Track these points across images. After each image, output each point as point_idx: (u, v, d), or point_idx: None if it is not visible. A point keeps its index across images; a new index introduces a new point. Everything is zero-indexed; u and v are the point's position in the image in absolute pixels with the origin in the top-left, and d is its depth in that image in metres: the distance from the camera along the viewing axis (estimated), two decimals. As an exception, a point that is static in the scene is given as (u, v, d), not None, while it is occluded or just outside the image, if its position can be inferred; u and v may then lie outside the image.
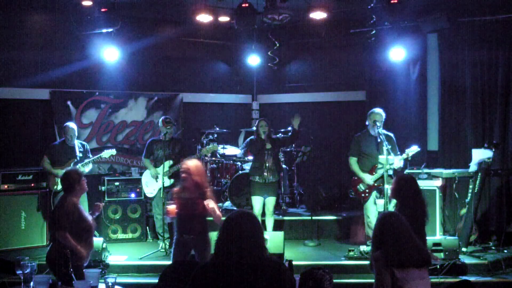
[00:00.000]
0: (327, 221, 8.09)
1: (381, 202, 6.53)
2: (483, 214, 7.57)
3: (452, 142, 7.98)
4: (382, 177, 6.53)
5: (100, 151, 7.49)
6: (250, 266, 2.94)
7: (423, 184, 6.75)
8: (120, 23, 7.38)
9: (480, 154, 6.92)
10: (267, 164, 7.09)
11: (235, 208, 8.09)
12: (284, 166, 8.41)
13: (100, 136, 8.72)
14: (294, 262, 4.22)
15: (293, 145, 8.65)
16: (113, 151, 7.49)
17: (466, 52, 7.81)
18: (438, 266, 6.10)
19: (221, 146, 8.76)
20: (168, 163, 7.17)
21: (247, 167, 8.15)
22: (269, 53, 9.09)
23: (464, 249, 6.73)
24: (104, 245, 6.54)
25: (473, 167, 6.98)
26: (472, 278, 5.87)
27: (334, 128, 9.39)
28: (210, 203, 5.12)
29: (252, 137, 7.38)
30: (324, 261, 6.61)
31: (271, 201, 7.14)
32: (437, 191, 6.94)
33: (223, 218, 3.24)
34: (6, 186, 7.13)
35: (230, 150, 8.93)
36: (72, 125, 7.26)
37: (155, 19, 9.08)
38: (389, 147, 6.39)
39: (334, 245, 7.58)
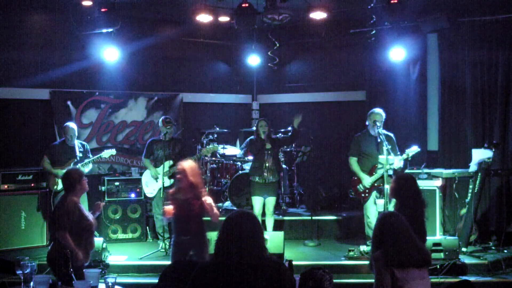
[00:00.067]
0: (327, 221, 8.09)
1: (381, 202, 6.53)
2: (483, 214, 7.57)
3: (452, 142, 7.98)
4: (382, 177, 6.53)
5: (100, 151, 7.49)
6: (250, 266, 2.94)
7: (423, 184, 6.76)
8: (120, 23, 7.38)
9: (480, 154, 6.92)
10: (267, 164, 7.09)
11: (235, 208, 8.09)
12: (284, 166, 8.41)
13: (100, 136, 8.72)
14: (294, 262, 4.21)
15: (293, 145, 8.65)
16: (113, 151, 7.49)
17: (466, 52, 7.81)
18: (438, 266, 6.10)
19: (221, 146, 8.76)
20: (168, 163, 7.17)
21: (247, 167, 8.15)
22: (269, 53, 9.09)
23: (464, 249, 6.73)
24: (104, 245, 6.53)
25: (473, 167, 6.98)
26: (472, 278, 5.87)
27: (334, 128, 9.39)
28: (208, 199, 5.13)
29: (252, 137, 7.38)
30: (324, 261, 6.61)
31: (271, 201, 7.14)
32: (437, 191, 6.94)
33: (222, 218, 3.23)
34: (6, 186, 7.14)
35: (230, 150, 8.94)
36: (72, 125, 7.26)
37: (155, 19, 9.08)
38: (389, 147, 6.40)
39: (334, 245, 7.58)
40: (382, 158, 6.53)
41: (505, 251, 6.90)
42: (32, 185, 7.30)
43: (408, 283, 3.55)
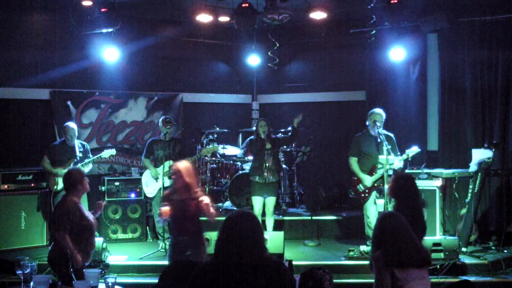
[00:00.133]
0: (327, 221, 8.09)
1: (381, 202, 6.53)
2: (483, 214, 7.57)
3: (452, 142, 7.98)
4: (382, 177, 6.53)
5: (100, 151, 7.49)
6: (250, 266, 2.94)
7: (423, 184, 6.77)
8: (120, 23, 7.38)
9: (480, 154, 6.92)
10: (267, 164, 7.09)
11: (235, 208, 8.09)
12: (284, 166, 8.42)
13: (100, 136, 8.72)
14: (294, 262, 4.22)
15: (293, 145, 8.66)
16: (113, 151, 7.49)
17: (466, 52, 7.81)
18: (438, 266, 6.10)
19: (221, 146, 8.76)
20: (168, 163, 7.16)
21: (247, 167, 8.15)
22: (269, 53, 9.09)
23: (464, 249, 6.73)
24: (104, 245, 6.53)
25: (473, 167, 6.98)
26: (472, 278, 5.86)
27: (334, 128, 9.39)
28: (206, 199, 5.15)
29: (252, 137, 7.38)
30: (324, 261, 6.61)
31: (271, 201, 7.14)
32: (437, 191, 6.93)
33: (222, 218, 3.23)
34: (6, 186, 7.14)
35: (230, 150, 8.94)
36: (72, 125, 7.27)
37: (155, 19, 9.08)
38: (389, 147, 6.40)
39: (334, 245, 7.58)
40: (382, 158, 6.53)
41: (505, 251, 6.90)
42: (32, 185, 7.30)
43: (408, 283, 3.54)
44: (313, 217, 7.89)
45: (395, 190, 4.87)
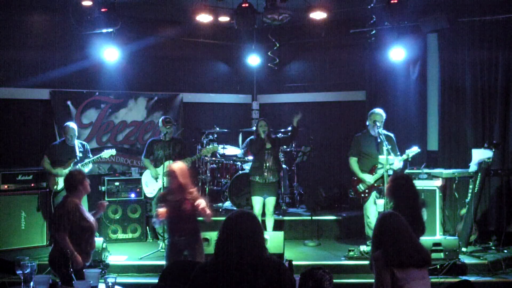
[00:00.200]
0: (327, 221, 8.08)
1: (381, 202, 6.53)
2: (483, 214, 7.57)
3: (452, 142, 7.98)
4: (382, 177, 6.53)
5: (100, 151, 7.49)
6: (250, 266, 2.94)
7: (423, 184, 6.77)
8: (120, 23, 7.38)
9: (480, 154, 6.92)
10: (267, 164, 7.09)
11: (235, 208, 8.09)
12: (284, 166, 8.41)
13: (100, 136, 8.72)
14: (294, 262, 4.22)
15: (293, 145, 8.66)
16: (113, 151, 7.49)
17: (466, 52, 7.81)
18: (438, 266, 6.10)
19: (221, 146, 8.76)
20: (168, 163, 7.15)
21: (247, 167, 8.15)
22: (269, 53, 9.09)
23: (464, 249, 6.73)
24: (104, 245, 6.53)
25: (473, 167, 6.98)
26: (472, 278, 5.86)
27: (334, 128, 9.39)
28: (201, 204, 5.15)
29: (252, 137, 7.38)
30: (324, 261, 6.61)
31: (271, 201, 7.14)
32: (437, 191, 6.93)
33: (222, 218, 3.23)
34: (6, 186, 7.14)
35: (230, 150, 8.93)
36: (72, 125, 7.27)
37: (155, 19, 9.08)
38: (389, 147, 6.40)
39: (334, 245, 7.58)
40: (382, 158, 6.54)
41: (505, 251, 6.90)
42: (32, 185, 7.29)
43: (408, 283, 3.54)
44: (313, 217, 7.89)
45: (395, 190, 4.87)
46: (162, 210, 5.22)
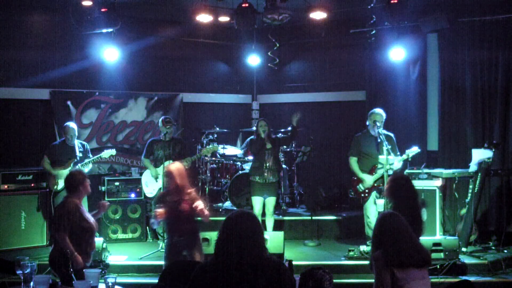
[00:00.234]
0: (327, 221, 8.08)
1: (381, 202, 6.53)
2: (483, 214, 7.57)
3: (452, 142, 7.98)
4: (382, 177, 6.53)
5: (100, 151, 7.49)
6: (250, 266, 2.94)
7: (423, 184, 6.77)
8: (120, 23, 7.38)
9: (480, 154, 6.92)
10: (267, 164, 7.09)
11: (235, 208, 8.09)
12: (284, 166, 8.41)
13: (100, 136, 8.72)
14: (294, 262, 4.22)
15: (293, 145, 8.66)
16: (112, 151, 7.48)
17: (466, 52, 7.81)
18: (438, 266, 6.10)
19: (221, 146, 8.76)
20: (168, 163, 7.15)
21: (247, 167, 8.15)
22: (269, 53, 9.09)
23: (464, 249, 6.73)
24: (104, 245, 6.53)
25: (473, 167, 6.98)
26: (472, 278, 5.87)
27: (334, 128, 9.39)
28: (200, 205, 5.16)
29: (252, 137, 7.38)
30: (324, 261, 6.61)
31: (271, 201, 7.14)
32: (437, 191, 6.93)
33: (222, 218, 3.23)
34: (6, 186, 7.13)
35: (230, 150, 8.93)
36: (72, 125, 7.27)
37: (155, 19, 9.08)
38: (389, 147, 6.41)
39: (334, 245, 7.58)
40: (382, 158, 6.54)
41: (505, 251, 6.90)
42: (32, 185, 7.29)
43: (408, 283, 3.54)
44: (313, 217, 7.89)
45: (393, 191, 4.87)
46: (160, 210, 5.24)
